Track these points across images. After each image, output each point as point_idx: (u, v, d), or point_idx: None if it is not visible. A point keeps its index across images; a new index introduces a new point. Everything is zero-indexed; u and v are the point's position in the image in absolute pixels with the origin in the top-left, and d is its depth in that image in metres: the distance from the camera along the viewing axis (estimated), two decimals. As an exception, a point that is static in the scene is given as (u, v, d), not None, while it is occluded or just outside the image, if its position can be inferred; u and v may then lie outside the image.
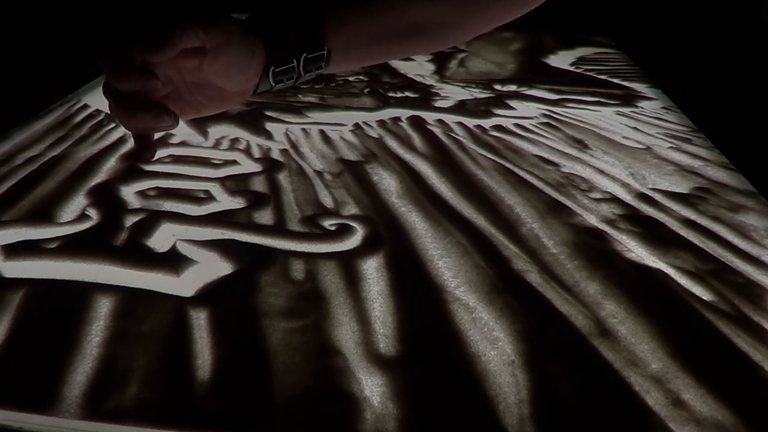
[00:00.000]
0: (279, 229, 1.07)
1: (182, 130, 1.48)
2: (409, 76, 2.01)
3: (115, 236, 1.02)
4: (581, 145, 1.48)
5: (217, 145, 1.41)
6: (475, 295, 0.91)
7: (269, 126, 1.53)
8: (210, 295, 0.89)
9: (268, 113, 1.61)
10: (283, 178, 1.26)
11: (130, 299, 0.87)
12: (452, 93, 1.84)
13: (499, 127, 1.58)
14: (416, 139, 1.49)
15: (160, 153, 1.35)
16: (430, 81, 1.96)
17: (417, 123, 1.59)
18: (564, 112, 1.69)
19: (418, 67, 2.10)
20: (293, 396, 0.72)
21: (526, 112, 1.70)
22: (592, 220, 1.13)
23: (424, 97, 1.80)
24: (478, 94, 1.84)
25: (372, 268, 0.96)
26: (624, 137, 1.53)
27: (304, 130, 1.52)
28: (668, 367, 0.78)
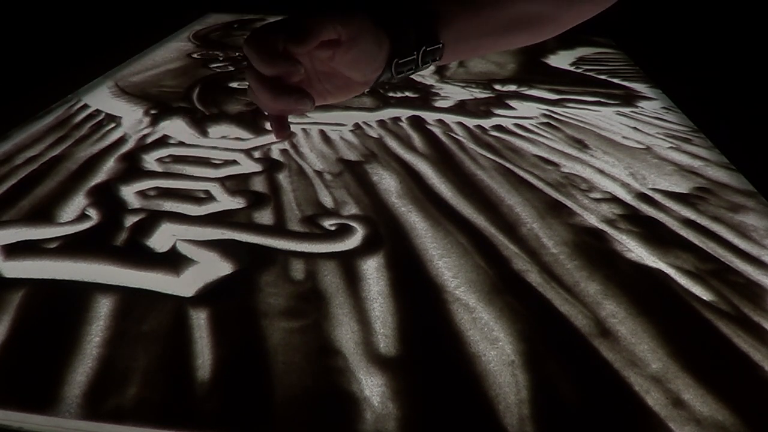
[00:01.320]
0: (279, 229, 1.07)
1: (182, 131, 1.48)
2: (409, 76, 2.00)
3: (115, 236, 1.02)
4: (581, 145, 1.48)
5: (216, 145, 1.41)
6: (475, 295, 0.91)
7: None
8: (210, 295, 0.89)
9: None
10: (283, 178, 1.26)
11: (130, 299, 0.87)
12: (452, 93, 1.84)
13: (499, 127, 1.58)
14: (416, 139, 1.49)
15: (161, 153, 1.35)
16: (430, 81, 1.96)
17: (417, 123, 1.59)
18: (564, 112, 1.69)
19: (418, 67, 2.10)
20: (293, 396, 0.72)
21: (526, 112, 1.70)
22: (592, 220, 1.13)
23: (424, 97, 1.80)
24: (478, 94, 1.84)
25: (372, 268, 0.96)
26: (624, 137, 1.53)
27: (304, 130, 1.52)
28: (668, 367, 0.78)
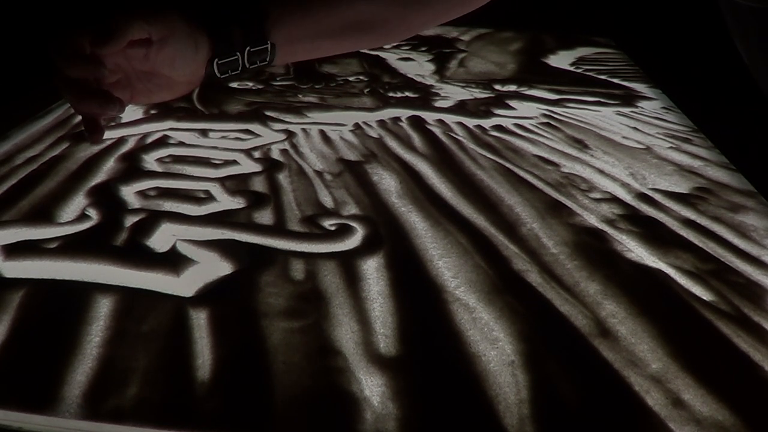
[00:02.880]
0: (279, 229, 1.07)
1: (182, 131, 1.48)
2: (409, 76, 2.01)
3: (115, 236, 1.02)
4: (581, 145, 1.48)
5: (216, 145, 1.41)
6: (475, 295, 0.91)
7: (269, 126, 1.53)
8: (210, 295, 0.89)
9: (268, 113, 1.61)
10: (283, 178, 1.26)
11: (130, 299, 0.87)
12: (452, 93, 1.84)
13: (499, 127, 1.58)
14: (416, 139, 1.49)
15: (161, 153, 1.35)
16: (430, 81, 1.96)
17: (417, 123, 1.59)
18: (564, 112, 1.69)
19: (418, 67, 2.10)
20: (293, 396, 0.72)
21: (526, 112, 1.70)
22: (592, 220, 1.13)
23: (424, 97, 1.80)
24: (478, 94, 1.84)
25: (372, 268, 0.96)
26: (624, 137, 1.53)
27: (304, 130, 1.52)
28: (668, 367, 0.78)
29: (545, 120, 1.63)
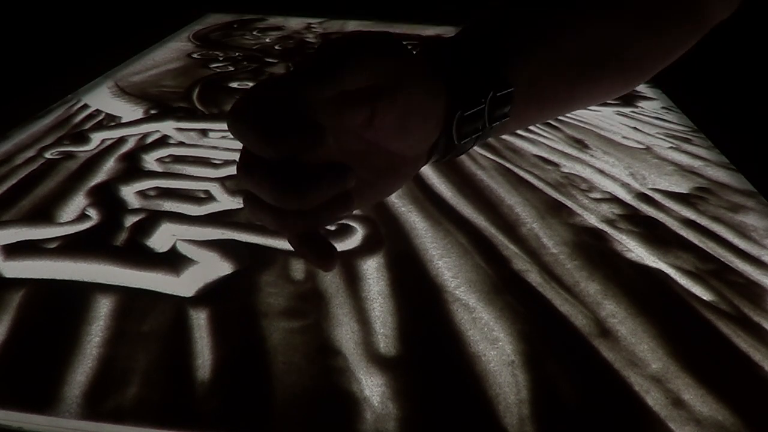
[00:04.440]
0: (279, 229, 1.07)
1: (182, 131, 1.48)
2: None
3: (115, 236, 1.02)
4: (581, 145, 1.48)
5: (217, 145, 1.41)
6: (475, 295, 0.91)
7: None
8: (210, 295, 0.89)
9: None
10: (283, 178, 1.26)
11: (130, 299, 0.87)
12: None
13: (499, 127, 1.58)
14: (416, 139, 1.49)
15: (161, 153, 1.35)
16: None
17: (417, 123, 1.59)
18: (564, 112, 1.69)
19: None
20: (293, 396, 0.72)
21: (526, 112, 1.70)
22: (592, 220, 1.13)
23: (424, 97, 1.80)
24: (478, 94, 1.84)
25: (372, 268, 0.96)
26: (624, 137, 1.53)
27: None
28: (668, 367, 0.78)
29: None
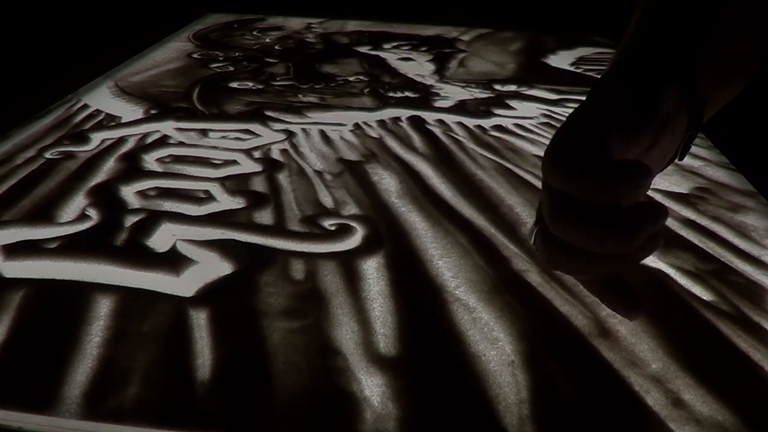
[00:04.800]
0: (279, 229, 1.07)
1: (182, 131, 1.48)
2: (409, 76, 2.01)
3: (115, 236, 1.02)
4: (581, 145, 1.47)
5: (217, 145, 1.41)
6: (475, 295, 0.91)
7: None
8: (210, 295, 0.89)
9: (268, 113, 1.61)
10: (283, 178, 1.26)
11: (130, 299, 0.87)
12: (452, 93, 1.84)
13: (499, 127, 1.58)
14: (416, 139, 1.49)
15: (161, 153, 1.35)
16: (430, 81, 1.96)
17: (417, 123, 1.59)
18: (564, 112, 1.69)
19: (418, 67, 2.10)
20: (293, 396, 0.72)
21: (526, 112, 1.70)
22: (592, 220, 1.13)
23: (424, 97, 1.80)
24: (478, 94, 1.84)
25: (372, 268, 0.96)
26: (624, 137, 1.53)
27: (304, 130, 1.52)
28: (668, 367, 0.78)
29: (545, 120, 1.63)
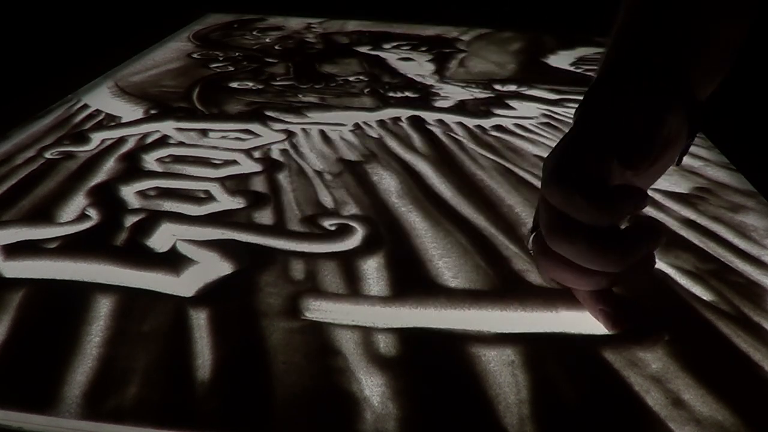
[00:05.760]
0: (279, 229, 1.07)
1: (182, 131, 1.48)
2: (409, 76, 2.00)
3: (115, 236, 1.02)
4: (581, 145, 1.47)
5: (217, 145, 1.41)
6: (475, 295, 0.91)
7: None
8: (210, 295, 0.89)
9: (268, 113, 1.61)
10: (283, 178, 1.26)
11: (130, 299, 0.87)
12: (452, 93, 1.84)
13: (499, 127, 1.58)
14: (416, 139, 1.49)
15: (161, 153, 1.35)
16: (430, 81, 1.96)
17: (417, 123, 1.59)
18: (564, 112, 1.69)
19: (418, 67, 2.10)
20: (293, 396, 0.72)
21: (526, 112, 1.70)
22: (592, 220, 1.13)
23: (424, 97, 1.80)
24: (478, 94, 1.84)
25: (372, 268, 0.96)
26: (624, 137, 1.53)
27: (304, 130, 1.52)
28: (668, 367, 0.78)
29: (545, 120, 1.63)
